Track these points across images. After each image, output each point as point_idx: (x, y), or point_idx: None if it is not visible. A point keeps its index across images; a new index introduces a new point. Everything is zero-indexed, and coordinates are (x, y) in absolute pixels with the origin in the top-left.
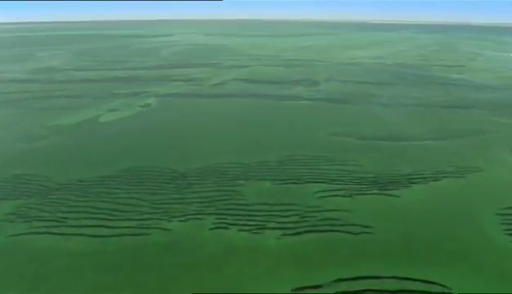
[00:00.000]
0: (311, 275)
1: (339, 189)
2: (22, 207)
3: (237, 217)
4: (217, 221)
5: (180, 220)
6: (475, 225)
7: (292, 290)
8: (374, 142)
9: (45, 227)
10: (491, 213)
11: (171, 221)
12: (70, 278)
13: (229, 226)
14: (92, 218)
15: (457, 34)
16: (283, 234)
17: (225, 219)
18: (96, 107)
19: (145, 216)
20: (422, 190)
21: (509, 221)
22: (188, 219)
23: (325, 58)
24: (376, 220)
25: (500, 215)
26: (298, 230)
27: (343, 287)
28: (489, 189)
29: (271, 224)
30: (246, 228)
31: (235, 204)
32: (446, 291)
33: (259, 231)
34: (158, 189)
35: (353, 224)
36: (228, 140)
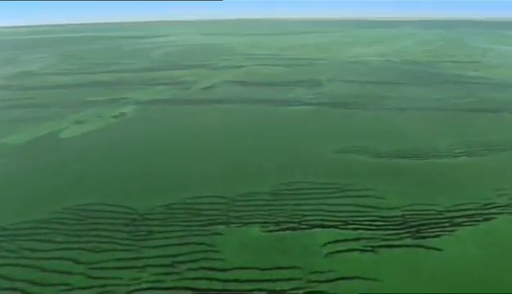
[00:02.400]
0: None
1: (357, 238)
2: None
3: None
4: None
5: None
6: None
7: None
8: (394, 161)
9: None
10: None
11: None
12: None
13: None
14: None
15: (461, 29)
16: None
17: None
18: (61, 118)
19: None
20: (472, 237)
21: None
22: None
23: (326, 56)
24: None
25: None
26: None
27: None
28: None
29: None
30: None
31: (207, 269)
32: None
33: None
34: (104, 242)
35: None
36: (210, 161)
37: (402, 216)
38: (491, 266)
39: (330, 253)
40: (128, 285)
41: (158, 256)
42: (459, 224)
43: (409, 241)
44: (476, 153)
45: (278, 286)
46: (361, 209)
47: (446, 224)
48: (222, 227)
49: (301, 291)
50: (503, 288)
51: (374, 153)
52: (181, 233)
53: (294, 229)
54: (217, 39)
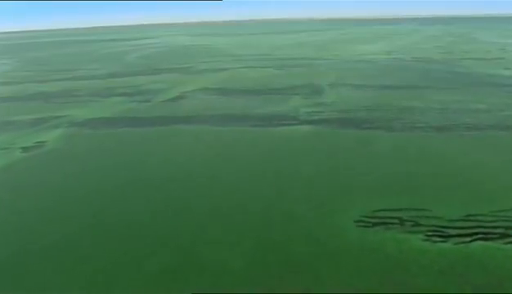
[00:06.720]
0: None
1: None
2: None
3: None
4: None
5: None
6: None
7: None
8: (473, 247)
9: None
10: None
11: None
12: None
13: None
14: None
15: (464, 25)
16: None
17: None
18: None
19: None
20: None
21: None
22: None
23: (327, 55)
24: None
25: None
26: None
27: None
28: None
29: None
30: None
31: None
32: None
33: None
34: None
35: None
36: (124, 261)
37: None
38: None
39: None
40: None
41: None
42: None
43: None
44: None
45: None
46: None
47: None
48: None
49: None
50: None
51: (430, 227)
52: None
53: None
54: (204, 40)
